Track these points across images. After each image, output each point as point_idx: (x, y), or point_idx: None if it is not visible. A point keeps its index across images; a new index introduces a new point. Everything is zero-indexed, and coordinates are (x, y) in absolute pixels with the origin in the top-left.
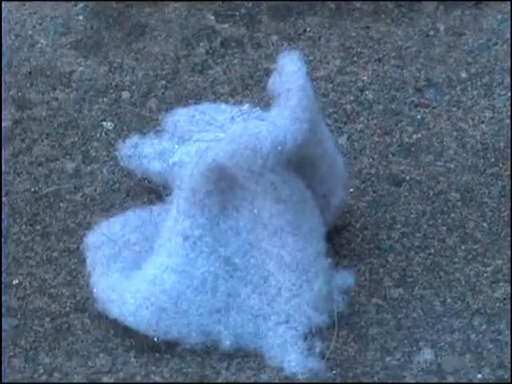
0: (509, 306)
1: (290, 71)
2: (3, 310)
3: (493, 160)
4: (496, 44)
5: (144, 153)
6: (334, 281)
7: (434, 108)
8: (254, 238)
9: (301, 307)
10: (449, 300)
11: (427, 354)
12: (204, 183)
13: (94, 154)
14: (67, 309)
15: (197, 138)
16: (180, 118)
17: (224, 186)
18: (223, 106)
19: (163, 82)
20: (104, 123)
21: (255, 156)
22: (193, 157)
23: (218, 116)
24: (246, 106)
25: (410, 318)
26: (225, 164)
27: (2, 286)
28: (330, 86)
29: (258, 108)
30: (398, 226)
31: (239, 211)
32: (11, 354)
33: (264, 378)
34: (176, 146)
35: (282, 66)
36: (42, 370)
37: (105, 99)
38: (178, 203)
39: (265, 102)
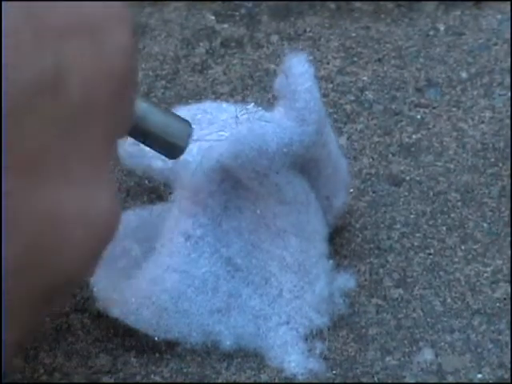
0: (509, 306)
1: (296, 73)
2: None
3: (493, 160)
4: (496, 44)
5: (145, 151)
6: (335, 283)
7: (434, 108)
8: (257, 238)
9: (302, 308)
10: (449, 300)
11: (427, 354)
12: (207, 183)
13: None
14: (67, 309)
15: (198, 137)
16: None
17: (227, 186)
18: (225, 104)
19: (163, 82)
20: None
21: (260, 157)
22: (195, 156)
23: (220, 115)
24: (250, 106)
25: (410, 318)
26: (229, 165)
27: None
28: (330, 86)
29: (261, 108)
30: (398, 226)
31: (242, 212)
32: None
33: (264, 378)
34: None
35: (289, 68)
36: (42, 370)
37: None
38: (180, 203)
39: (265, 102)
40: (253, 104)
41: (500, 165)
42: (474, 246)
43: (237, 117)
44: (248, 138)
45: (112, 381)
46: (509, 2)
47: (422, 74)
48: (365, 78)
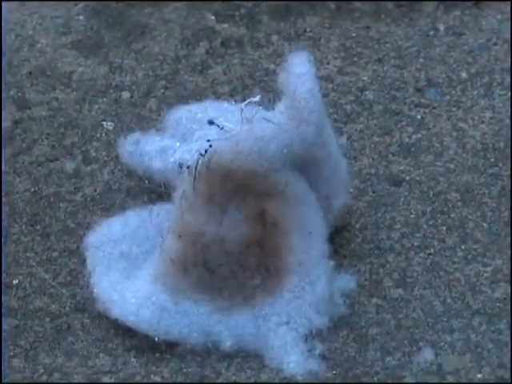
0: (509, 306)
1: (298, 72)
2: (3, 310)
3: (493, 160)
4: (496, 44)
5: (145, 150)
6: (335, 283)
7: (434, 108)
8: (257, 239)
9: (302, 309)
10: (449, 300)
11: (427, 354)
12: (207, 184)
13: (93, 154)
14: (67, 309)
15: (199, 137)
16: (182, 115)
17: (228, 187)
18: (225, 104)
19: (163, 82)
20: (104, 123)
21: (260, 159)
22: (195, 156)
23: (220, 114)
24: (257, 97)
25: (410, 318)
26: (229, 166)
27: (2, 285)
28: (330, 86)
29: (262, 108)
30: (398, 226)
31: (242, 212)
32: (11, 354)
33: (264, 378)
34: (178, 144)
35: (291, 67)
36: (42, 370)
37: (105, 99)
38: (181, 203)
39: (266, 102)
40: (259, 96)
41: (500, 165)
42: (474, 246)
43: (242, 110)
44: (248, 140)
45: (112, 381)
46: (509, 2)
47: (422, 74)
48: (365, 78)
